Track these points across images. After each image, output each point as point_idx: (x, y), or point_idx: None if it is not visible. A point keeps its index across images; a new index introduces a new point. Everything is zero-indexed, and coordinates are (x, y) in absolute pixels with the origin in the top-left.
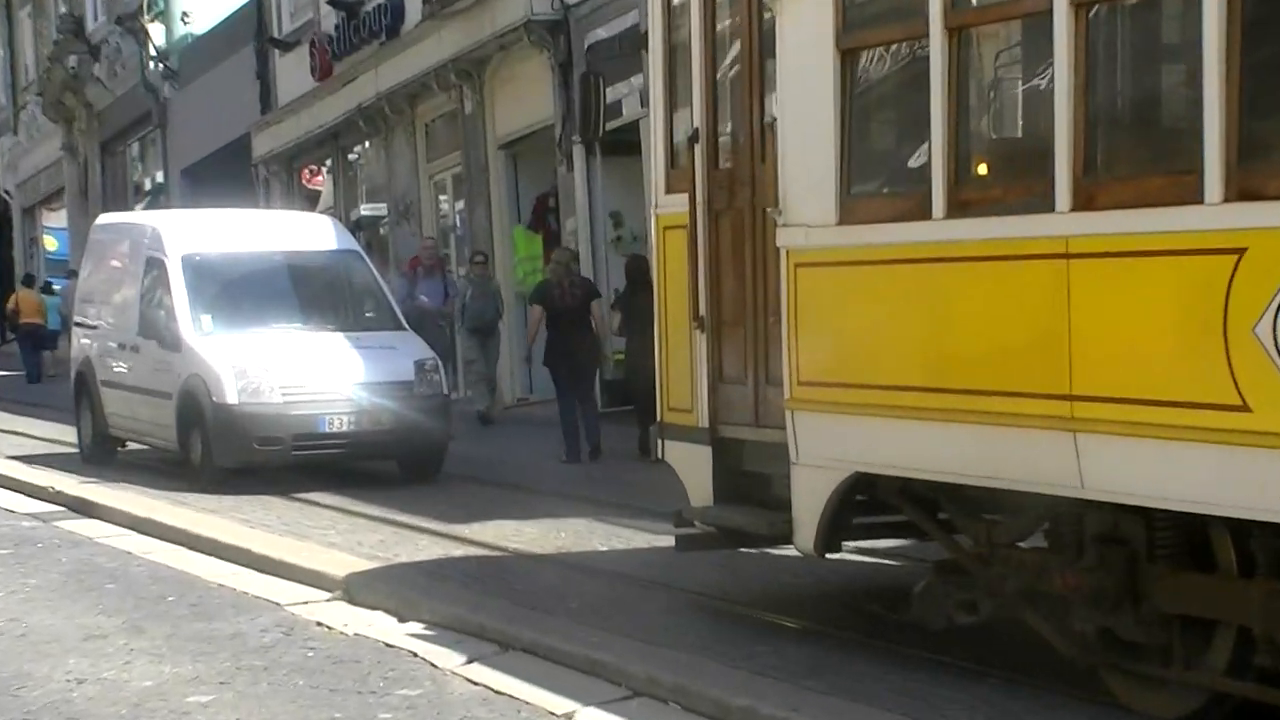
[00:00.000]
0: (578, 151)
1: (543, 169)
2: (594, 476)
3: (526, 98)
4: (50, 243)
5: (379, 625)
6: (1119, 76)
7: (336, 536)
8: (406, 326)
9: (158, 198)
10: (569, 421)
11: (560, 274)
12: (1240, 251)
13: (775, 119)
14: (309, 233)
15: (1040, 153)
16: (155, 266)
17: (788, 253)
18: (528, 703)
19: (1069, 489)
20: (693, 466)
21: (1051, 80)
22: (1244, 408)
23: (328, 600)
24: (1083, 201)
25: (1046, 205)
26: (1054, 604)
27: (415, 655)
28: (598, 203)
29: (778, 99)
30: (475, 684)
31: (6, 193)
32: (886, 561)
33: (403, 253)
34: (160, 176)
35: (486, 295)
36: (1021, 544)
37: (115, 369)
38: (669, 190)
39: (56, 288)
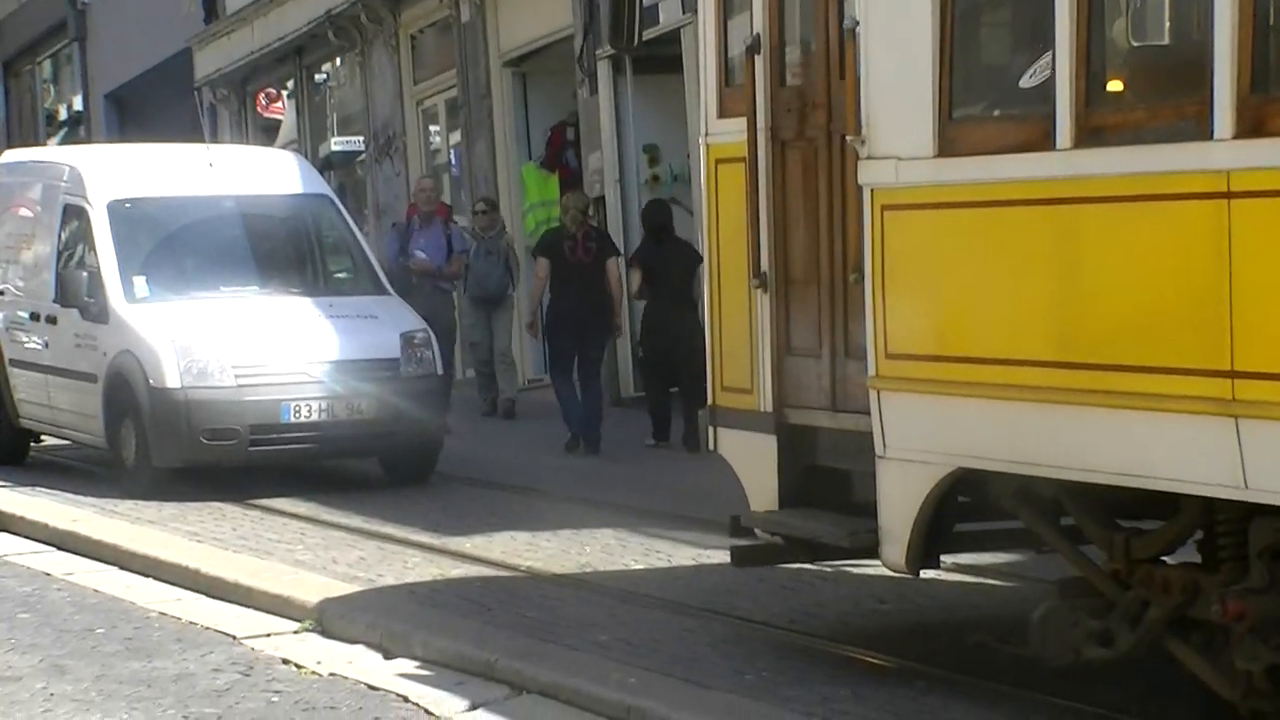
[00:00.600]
0: (603, 69)
1: (559, 92)
2: (625, 477)
3: (538, 2)
4: None
5: (360, 663)
6: None
7: (306, 553)
8: (390, 290)
9: (76, 129)
10: (571, 402)
11: (573, 223)
12: None
13: (857, 23)
14: (267, 173)
15: (1195, 64)
16: (75, 216)
17: (873, 192)
18: None
19: (1229, 489)
20: (753, 461)
21: None
22: None
23: (296, 632)
24: (1249, 126)
25: (1202, 131)
26: (1210, 635)
27: (406, 700)
28: (629, 134)
29: None
30: None
31: None
32: (997, 582)
33: (385, 198)
34: (79, 103)
35: (494, 255)
36: (1169, 559)
37: (26, 345)
38: (723, 114)
39: None
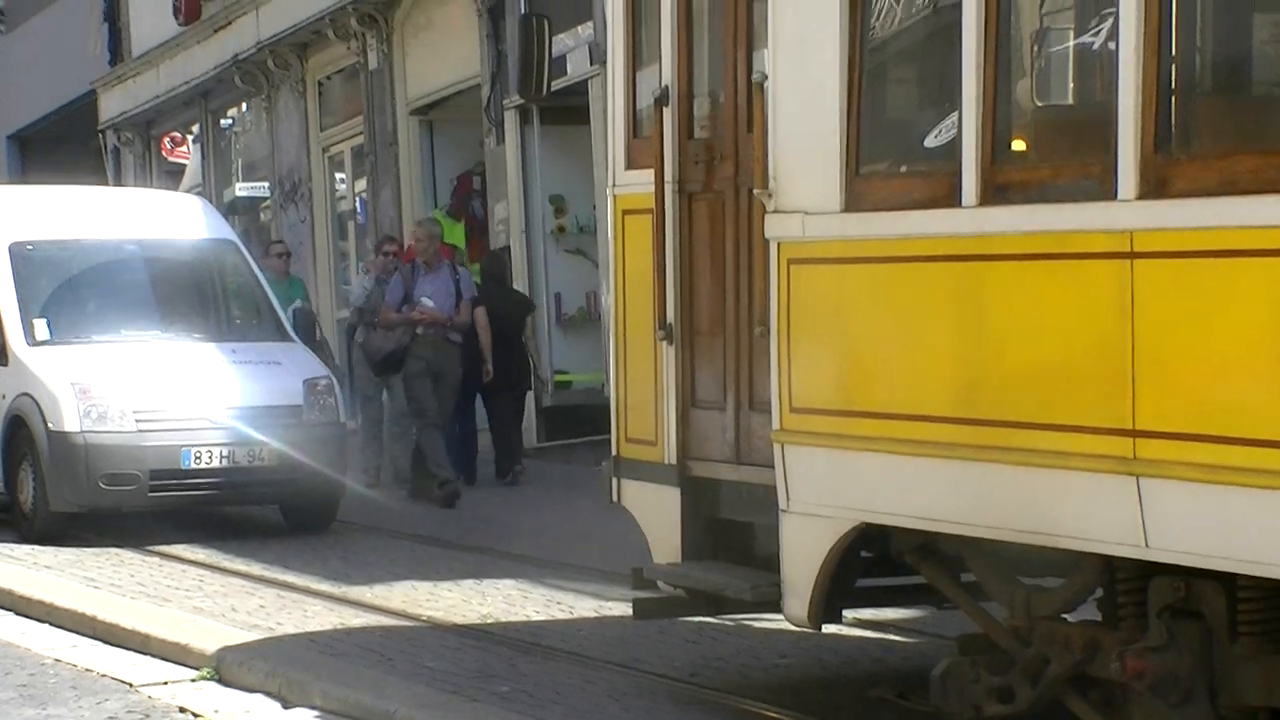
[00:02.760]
0: (510, 119)
1: (466, 140)
2: (528, 528)
3: (446, 50)
4: None
5: (258, 712)
6: (1201, 27)
7: (205, 600)
8: (294, 337)
9: None
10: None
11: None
12: None
13: (766, 76)
14: (171, 217)
15: (1099, 124)
16: None
17: (779, 245)
18: None
19: (1130, 547)
20: (656, 513)
21: (1115, 31)
22: None
23: (194, 680)
24: (1153, 186)
25: (1107, 191)
26: (1110, 693)
27: None
28: (535, 183)
29: (770, 52)
30: None
31: None
32: (898, 637)
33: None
34: None
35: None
36: (1068, 616)
37: None
38: (630, 165)
39: None
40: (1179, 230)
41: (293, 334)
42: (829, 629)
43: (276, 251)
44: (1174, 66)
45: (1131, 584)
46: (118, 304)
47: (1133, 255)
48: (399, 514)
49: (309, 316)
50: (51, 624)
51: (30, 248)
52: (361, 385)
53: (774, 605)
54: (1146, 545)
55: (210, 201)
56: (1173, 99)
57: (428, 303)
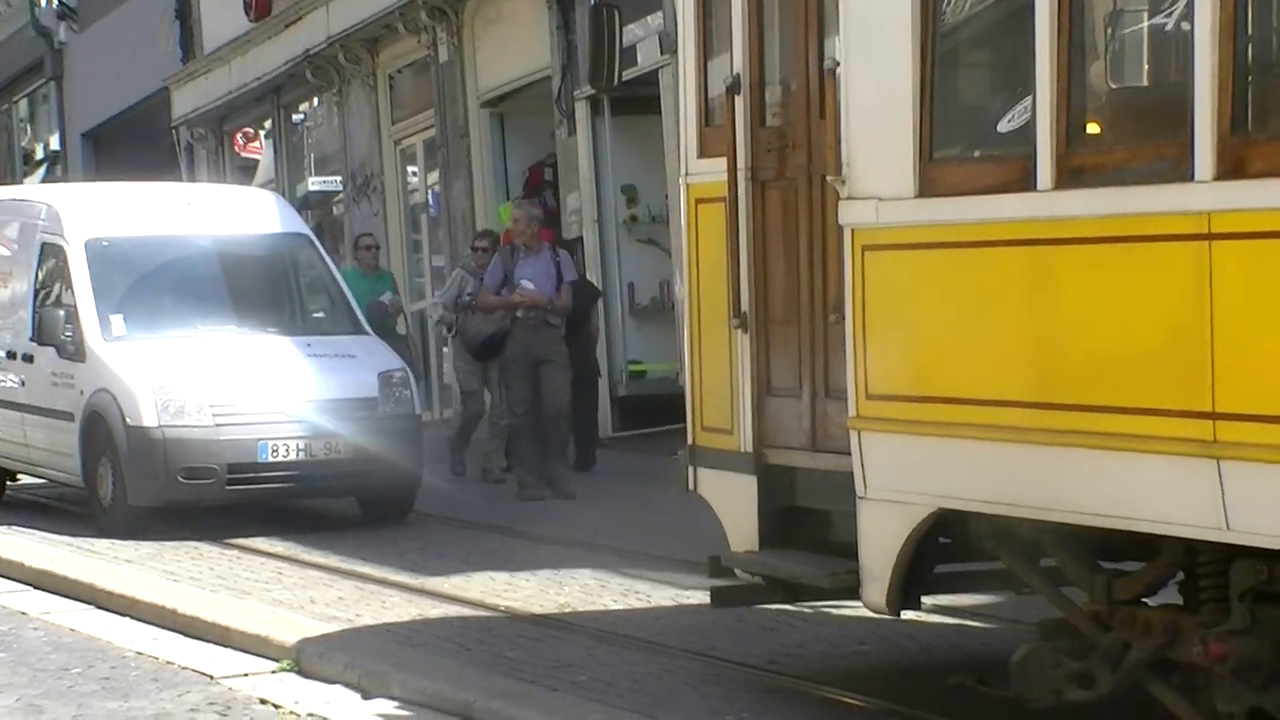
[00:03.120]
0: (581, 110)
1: (537, 132)
2: (606, 516)
3: (516, 42)
4: None
5: (338, 703)
6: (1277, 5)
7: (284, 592)
8: (368, 330)
9: (53, 168)
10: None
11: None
12: None
13: (837, 63)
14: (244, 212)
15: (1175, 106)
16: (52, 254)
17: (853, 232)
18: None
19: (1210, 531)
20: (733, 502)
21: (1190, 12)
22: None
23: (273, 672)
24: (1229, 167)
25: (1183, 173)
26: (1192, 677)
27: None
28: (607, 174)
29: (841, 38)
30: None
31: None
32: (977, 623)
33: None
34: (56, 142)
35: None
36: (1150, 600)
37: (2, 384)
38: (702, 154)
39: None
40: (1257, 211)
41: (367, 327)
42: (907, 615)
43: (365, 244)
44: (1250, 46)
45: (1213, 567)
46: (193, 299)
47: (1210, 237)
48: (476, 505)
49: (382, 309)
50: (132, 617)
51: (106, 244)
52: (463, 379)
53: (852, 592)
54: (1228, 528)
55: (283, 196)
56: (1249, 79)
57: (528, 285)
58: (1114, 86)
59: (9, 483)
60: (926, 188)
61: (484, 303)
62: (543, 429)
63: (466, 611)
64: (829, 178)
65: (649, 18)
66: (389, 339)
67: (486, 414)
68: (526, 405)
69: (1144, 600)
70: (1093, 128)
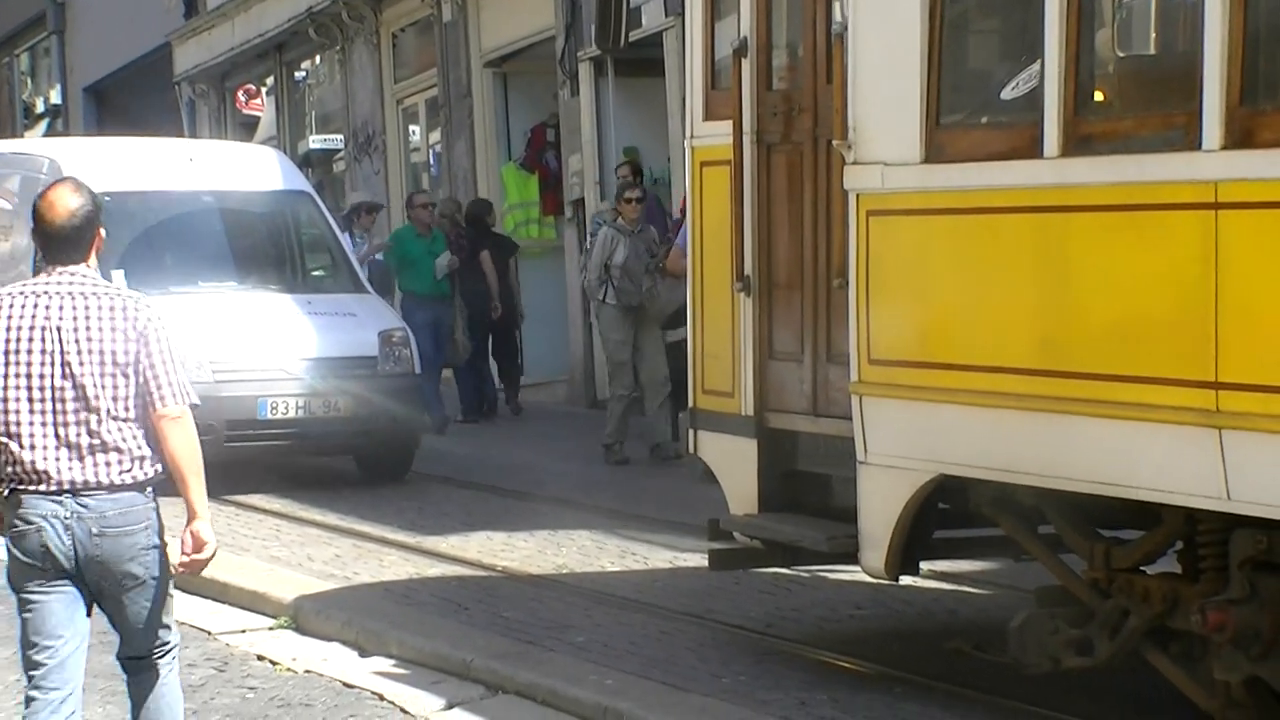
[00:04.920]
0: (585, 71)
1: (540, 93)
2: (603, 479)
3: (520, 2)
4: None
5: (335, 660)
6: None
7: (281, 549)
8: (369, 289)
9: (55, 122)
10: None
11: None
12: None
13: (845, 27)
14: (246, 168)
15: (1184, 75)
16: None
17: (859, 197)
18: None
19: (1211, 500)
20: (733, 465)
21: None
22: None
23: (271, 629)
24: (1238, 137)
25: (1191, 141)
26: (1190, 645)
27: (381, 698)
28: (609, 135)
29: (850, 2)
30: None
31: None
32: (975, 589)
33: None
34: (57, 96)
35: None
36: (1149, 569)
37: None
38: (708, 117)
39: None
40: (1265, 181)
41: (367, 285)
42: (905, 581)
43: (420, 202)
44: (1260, 17)
45: (1212, 536)
46: (194, 255)
47: (1217, 206)
48: (474, 464)
49: (385, 269)
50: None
51: (108, 199)
52: (613, 350)
53: (851, 557)
54: (1228, 498)
55: (284, 154)
56: (1259, 50)
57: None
58: (1122, 54)
59: None
60: (933, 153)
61: (677, 267)
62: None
63: (464, 571)
64: (835, 142)
65: None
66: (444, 302)
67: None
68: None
69: (1143, 568)
70: (1101, 95)
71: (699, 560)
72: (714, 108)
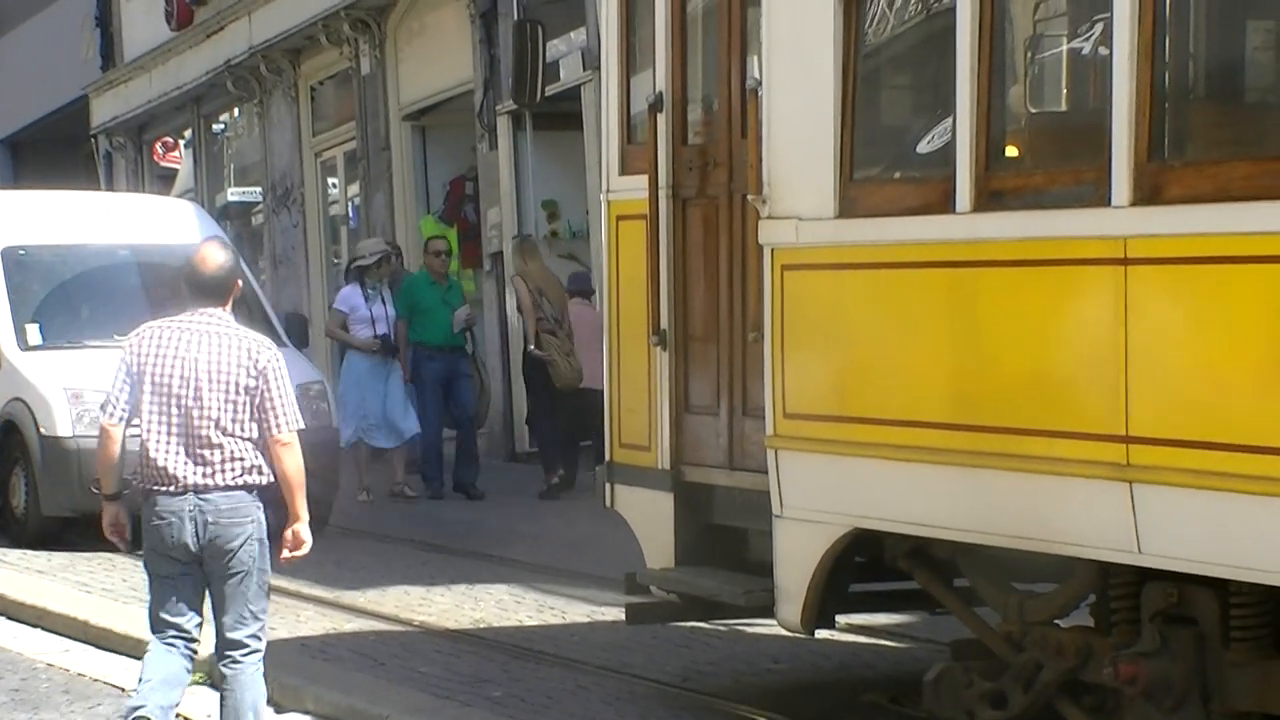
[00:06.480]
0: (503, 124)
1: (459, 146)
2: (520, 532)
3: (439, 56)
4: None
5: None
6: (1195, 33)
7: None
8: (287, 341)
9: None
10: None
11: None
12: None
13: (759, 82)
14: (163, 222)
15: (1093, 131)
16: None
17: (773, 251)
18: None
19: (1123, 553)
20: (650, 518)
21: (1109, 38)
22: None
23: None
24: (1146, 193)
25: (1100, 197)
26: (1103, 698)
27: None
28: (528, 188)
29: (764, 58)
30: None
31: None
32: (890, 642)
33: (282, 248)
34: None
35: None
36: (1061, 621)
37: None
38: (624, 171)
39: None
40: (1173, 237)
41: (285, 339)
42: (822, 634)
43: (435, 249)
44: (1168, 73)
45: (1125, 590)
46: (110, 309)
47: (1126, 262)
48: (392, 519)
49: (303, 321)
50: (44, 628)
51: (22, 253)
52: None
53: (767, 610)
54: (1139, 551)
55: (202, 206)
56: (1166, 105)
57: None
58: (1034, 110)
59: None
60: (847, 208)
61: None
62: None
63: (382, 626)
64: (750, 197)
65: (572, 33)
66: (459, 355)
67: None
68: None
69: (1056, 621)
70: (1012, 150)
71: (616, 614)
72: (630, 162)
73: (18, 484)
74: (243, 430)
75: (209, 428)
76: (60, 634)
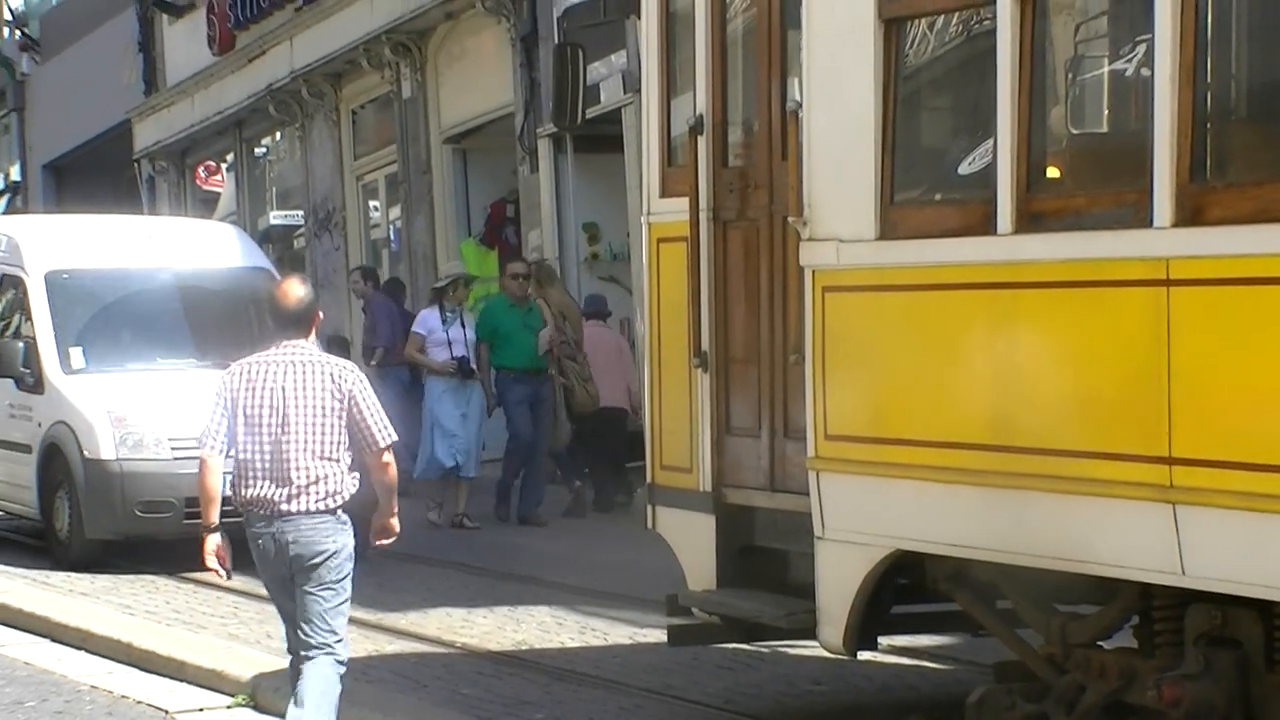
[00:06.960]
0: (544, 147)
1: (499, 169)
2: (561, 554)
3: (479, 79)
4: None
5: None
6: (1236, 54)
7: (240, 627)
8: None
9: (14, 199)
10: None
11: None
12: None
13: (800, 104)
14: (205, 245)
15: (1135, 152)
16: (11, 286)
17: (814, 273)
18: None
19: (1166, 575)
20: (691, 540)
21: (1150, 60)
22: None
23: (229, 707)
24: (1188, 215)
25: (1142, 218)
26: None
27: None
28: (568, 211)
29: (804, 80)
30: None
31: None
32: (932, 664)
33: (324, 272)
34: (17, 173)
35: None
36: (1104, 643)
37: None
38: (665, 194)
39: None
40: (1215, 258)
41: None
42: (863, 656)
43: (513, 272)
44: (1209, 94)
45: (1168, 611)
46: (153, 332)
47: (1169, 283)
48: (434, 541)
49: (345, 344)
50: (87, 650)
51: (66, 276)
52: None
53: (809, 632)
54: (1183, 573)
55: (244, 230)
56: (1208, 126)
57: None
58: (1074, 131)
59: None
60: (888, 230)
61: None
62: None
63: (423, 648)
64: (790, 219)
65: (612, 56)
66: (543, 378)
67: None
68: None
69: (1099, 643)
70: (1053, 172)
71: (658, 635)
72: (670, 184)
73: (61, 507)
74: (333, 453)
75: (295, 454)
76: (104, 656)
